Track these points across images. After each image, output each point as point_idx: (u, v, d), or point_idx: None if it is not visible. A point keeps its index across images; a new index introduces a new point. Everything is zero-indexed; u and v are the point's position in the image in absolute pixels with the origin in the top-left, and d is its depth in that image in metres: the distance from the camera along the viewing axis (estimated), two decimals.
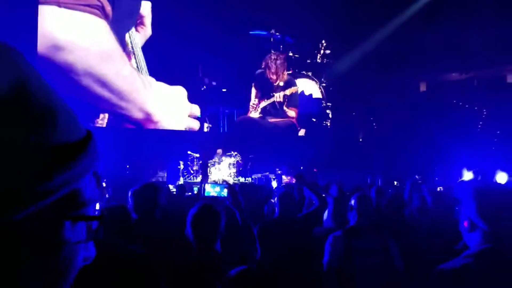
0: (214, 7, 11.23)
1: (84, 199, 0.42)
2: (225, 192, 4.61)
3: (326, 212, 3.46)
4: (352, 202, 2.79)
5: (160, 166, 10.05)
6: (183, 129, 11.38)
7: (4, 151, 0.34)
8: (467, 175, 10.06)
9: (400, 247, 2.72)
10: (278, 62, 12.69)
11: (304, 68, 13.42)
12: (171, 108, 11.12)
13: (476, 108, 12.34)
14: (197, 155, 10.71)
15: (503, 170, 9.28)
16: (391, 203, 3.77)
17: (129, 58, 10.68)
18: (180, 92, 11.27)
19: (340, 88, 13.02)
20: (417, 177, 7.75)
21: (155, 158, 9.86)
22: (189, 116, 11.50)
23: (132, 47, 10.75)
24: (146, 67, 10.89)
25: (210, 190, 5.17)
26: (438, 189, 6.62)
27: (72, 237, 0.41)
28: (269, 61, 12.69)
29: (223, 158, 10.79)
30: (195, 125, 11.61)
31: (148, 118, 10.79)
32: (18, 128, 0.36)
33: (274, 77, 12.74)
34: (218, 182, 9.24)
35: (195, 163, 10.68)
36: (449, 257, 1.79)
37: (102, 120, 10.40)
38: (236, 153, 10.98)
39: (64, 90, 9.78)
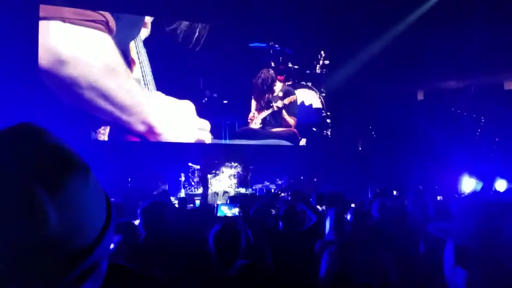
0: (214, 20, 11.38)
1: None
2: (236, 211, 4.67)
3: (328, 225, 3.51)
4: (348, 216, 2.86)
5: (162, 178, 10.11)
6: (192, 141, 11.49)
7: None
8: (467, 183, 10.10)
9: (395, 260, 2.75)
10: (270, 80, 12.88)
11: (303, 78, 13.53)
12: (177, 122, 11.23)
13: (474, 115, 12.41)
14: (198, 166, 10.78)
15: (503, 177, 9.35)
16: (392, 214, 3.81)
17: (134, 63, 10.82)
18: (187, 106, 11.39)
19: (339, 98, 13.12)
20: (420, 187, 7.76)
21: (156, 170, 9.92)
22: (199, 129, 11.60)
23: (137, 52, 10.89)
24: (151, 73, 11.03)
25: (227, 212, 5.18)
26: (438, 198, 6.66)
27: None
28: (260, 77, 12.84)
29: (224, 169, 10.86)
30: (206, 137, 11.69)
31: (151, 130, 10.90)
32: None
33: (265, 93, 12.91)
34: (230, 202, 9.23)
35: (196, 174, 10.75)
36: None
37: (104, 130, 10.51)
38: (236, 164, 11.06)
39: (67, 103, 9.97)
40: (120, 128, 10.59)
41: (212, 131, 11.91)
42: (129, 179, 9.57)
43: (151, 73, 11.04)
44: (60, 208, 0.45)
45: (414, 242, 3.37)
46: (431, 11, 11.57)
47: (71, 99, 9.97)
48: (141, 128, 10.81)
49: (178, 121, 11.24)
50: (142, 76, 10.94)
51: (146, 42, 11.10)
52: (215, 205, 5.66)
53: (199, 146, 11.54)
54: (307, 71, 13.48)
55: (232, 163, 11.10)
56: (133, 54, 10.86)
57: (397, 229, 3.52)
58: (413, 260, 3.25)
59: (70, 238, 0.47)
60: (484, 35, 10.76)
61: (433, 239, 3.40)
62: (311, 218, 3.53)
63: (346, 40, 12.13)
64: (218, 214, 4.72)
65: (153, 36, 11.17)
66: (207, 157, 10.87)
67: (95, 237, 0.50)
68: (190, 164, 10.85)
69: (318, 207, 4.41)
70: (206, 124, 11.64)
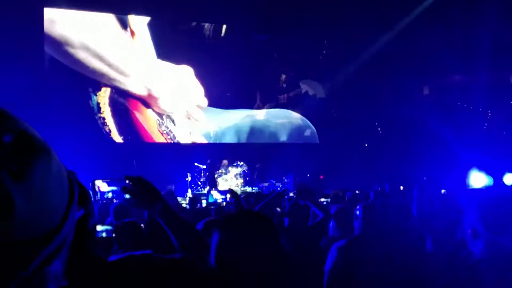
0: (216, 12, 11.37)
1: None
2: (227, 196, 4.70)
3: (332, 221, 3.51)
4: (357, 212, 2.82)
5: (168, 178, 10.14)
6: (190, 108, 11.55)
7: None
8: (475, 177, 10.02)
9: (401, 257, 2.74)
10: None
11: (307, 69, 13.48)
12: (175, 86, 11.35)
13: (480, 109, 12.33)
14: (204, 166, 10.82)
15: (510, 171, 9.27)
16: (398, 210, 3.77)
17: (133, 35, 11.02)
18: (185, 71, 11.47)
19: (344, 94, 13.06)
20: (425, 178, 7.72)
21: (162, 170, 9.96)
22: (197, 95, 11.67)
23: (137, 23, 11.09)
24: (152, 43, 11.18)
25: (217, 196, 5.27)
26: (442, 192, 6.61)
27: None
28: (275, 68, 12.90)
29: (230, 168, 10.90)
30: (202, 102, 11.72)
31: (150, 94, 11.07)
32: None
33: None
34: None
35: (202, 174, 10.78)
36: (454, 264, 1.83)
37: (104, 93, 10.70)
38: (242, 163, 11.09)
39: (63, 63, 10.11)
40: (120, 90, 10.81)
41: (217, 128, 11.93)
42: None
43: (152, 44, 11.12)
44: (25, 194, 0.45)
45: (421, 239, 3.35)
46: (436, 5, 11.50)
47: (65, 60, 10.18)
48: (140, 91, 10.98)
49: (176, 86, 11.36)
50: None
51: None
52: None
53: (204, 145, 11.58)
54: (311, 62, 13.41)
55: (238, 162, 11.13)
56: (133, 25, 10.98)
57: (403, 226, 3.50)
58: (420, 257, 3.23)
59: (36, 222, 0.47)
60: (490, 29, 10.69)
61: (441, 235, 3.38)
62: (317, 214, 3.52)
63: (350, 33, 12.07)
64: (209, 200, 4.75)
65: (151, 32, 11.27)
66: (213, 157, 10.90)
67: (60, 217, 0.50)
68: (196, 164, 10.88)
69: (322, 199, 4.41)
70: (203, 89, 11.72)
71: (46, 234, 0.48)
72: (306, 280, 2.61)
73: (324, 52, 13.40)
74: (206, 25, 11.90)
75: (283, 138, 12.75)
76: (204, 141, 11.82)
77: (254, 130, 12.38)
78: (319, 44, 13.34)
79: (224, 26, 12.01)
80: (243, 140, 12.26)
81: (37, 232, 0.47)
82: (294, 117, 12.97)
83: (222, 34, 12.04)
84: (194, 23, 11.85)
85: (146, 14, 11.12)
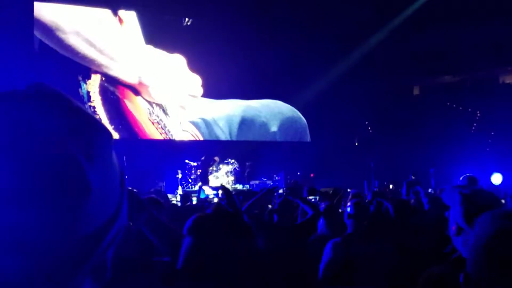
0: (208, 8, 11.35)
1: None
2: (219, 192, 4.73)
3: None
4: (348, 209, 2.88)
5: (158, 175, 10.09)
6: (182, 97, 11.49)
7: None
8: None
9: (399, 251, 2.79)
10: None
11: (300, 68, 13.43)
12: (166, 74, 11.24)
13: (469, 110, 12.46)
14: (195, 163, 10.78)
15: (498, 171, 9.42)
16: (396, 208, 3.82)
17: (121, 22, 10.92)
18: (177, 60, 11.37)
19: (335, 91, 13.09)
20: (412, 177, 7.85)
21: (153, 168, 9.92)
22: (189, 84, 11.57)
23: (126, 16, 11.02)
24: (140, 30, 11.08)
25: (209, 192, 5.28)
26: (429, 190, 6.72)
27: None
28: None
29: (221, 166, 10.88)
30: (197, 92, 11.64)
31: (140, 82, 10.97)
32: None
33: None
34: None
35: (193, 171, 10.74)
36: (438, 261, 1.86)
37: (94, 81, 10.58)
38: (233, 160, 11.08)
39: (52, 52, 9.95)
40: (111, 78, 10.69)
41: (208, 117, 11.87)
42: (125, 177, 9.52)
43: (140, 31, 11.04)
44: (97, 176, 0.45)
45: (412, 234, 3.40)
46: (426, 6, 11.59)
47: (55, 45, 10.05)
48: (131, 79, 10.86)
49: (168, 75, 11.25)
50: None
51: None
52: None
53: (195, 143, 11.54)
54: (303, 61, 13.37)
55: (229, 160, 11.11)
56: (120, 12, 10.90)
57: (394, 222, 3.55)
58: (410, 252, 3.29)
59: (104, 203, 0.47)
60: (479, 30, 10.80)
61: (428, 231, 3.43)
62: (307, 212, 3.54)
63: (343, 33, 12.11)
64: (200, 196, 4.76)
65: (148, 32, 11.18)
66: (204, 154, 10.87)
67: (118, 201, 0.50)
68: (187, 161, 10.84)
69: (311, 197, 4.44)
70: (197, 79, 11.58)
71: (109, 219, 0.47)
72: (294, 277, 2.63)
73: (316, 51, 13.40)
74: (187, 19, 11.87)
75: (274, 128, 12.71)
76: (195, 130, 11.75)
77: (245, 120, 12.30)
78: (311, 42, 13.35)
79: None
80: (234, 130, 12.15)
81: (104, 216, 0.47)
82: (286, 107, 12.95)
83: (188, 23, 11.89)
84: (187, 19, 11.79)
85: (134, 9, 11.05)
